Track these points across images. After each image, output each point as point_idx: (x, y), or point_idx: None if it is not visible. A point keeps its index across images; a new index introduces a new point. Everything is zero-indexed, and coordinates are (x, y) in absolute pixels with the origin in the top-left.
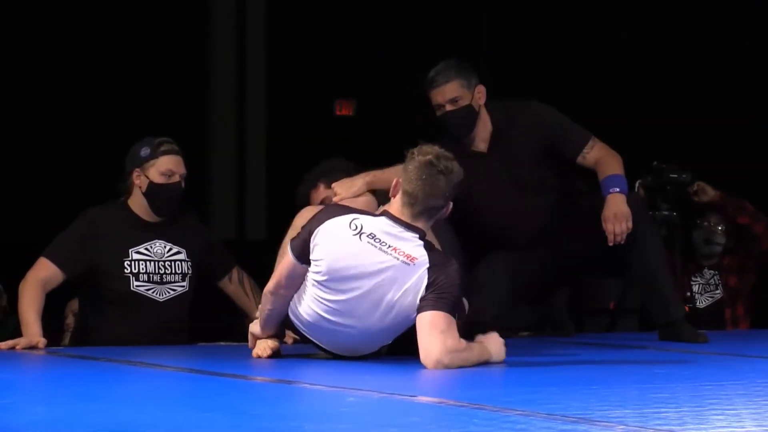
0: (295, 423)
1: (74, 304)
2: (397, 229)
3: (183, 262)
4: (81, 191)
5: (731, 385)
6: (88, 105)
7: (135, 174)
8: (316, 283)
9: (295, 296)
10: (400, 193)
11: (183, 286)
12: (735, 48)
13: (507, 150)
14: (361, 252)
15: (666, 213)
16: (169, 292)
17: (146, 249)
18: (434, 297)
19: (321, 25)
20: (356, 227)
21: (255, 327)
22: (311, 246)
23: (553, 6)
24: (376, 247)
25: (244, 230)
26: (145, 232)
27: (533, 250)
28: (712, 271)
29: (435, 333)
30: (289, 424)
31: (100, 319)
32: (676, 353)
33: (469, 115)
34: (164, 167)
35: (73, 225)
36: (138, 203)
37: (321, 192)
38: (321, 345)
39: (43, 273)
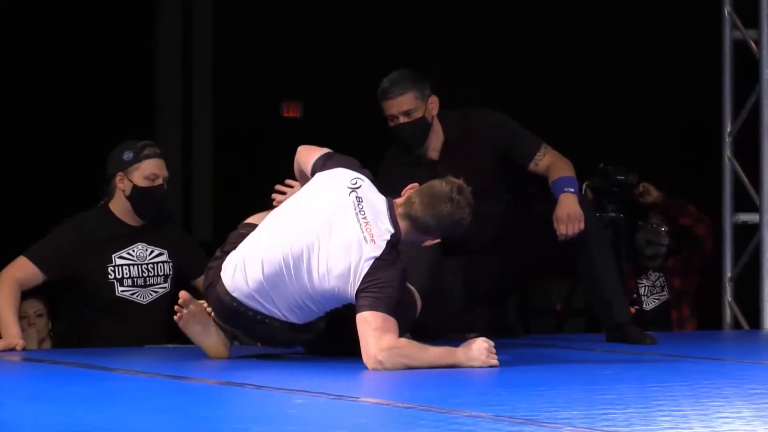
0: (242, 425)
1: (34, 305)
2: (385, 213)
3: (165, 264)
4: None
5: (678, 386)
6: (38, 109)
7: (118, 177)
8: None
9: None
10: (408, 192)
11: (165, 288)
12: (692, 49)
13: (459, 158)
14: (341, 200)
15: (613, 215)
16: (151, 295)
17: (128, 253)
18: (372, 296)
19: (268, 26)
20: (354, 183)
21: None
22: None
23: (508, 6)
24: (354, 209)
25: (191, 232)
26: (127, 236)
27: (485, 254)
28: (657, 273)
29: (369, 331)
30: (236, 426)
31: (86, 324)
32: (623, 354)
33: (422, 127)
34: (148, 171)
35: (58, 231)
36: (120, 207)
37: None
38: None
39: (21, 272)
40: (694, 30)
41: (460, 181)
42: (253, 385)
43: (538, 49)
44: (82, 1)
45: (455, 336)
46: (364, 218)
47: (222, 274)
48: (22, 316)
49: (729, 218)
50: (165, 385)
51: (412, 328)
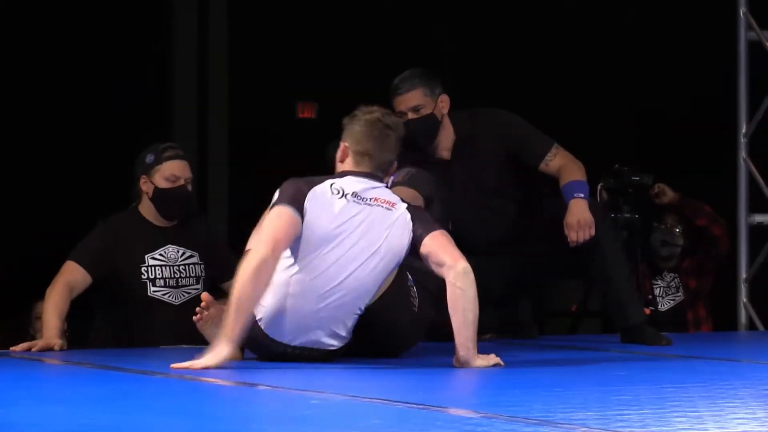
0: (258, 426)
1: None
2: (368, 183)
3: (196, 265)
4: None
5: (693, 387)
6: (50, 113)
7: (142, 180)
8: (304, 252)
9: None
10: (350, 155)
11: (197, 289)
12: (707, 50)
13: (470, 157)
14: (351, 211)
15: (628, 215)
16: (184, 296)
17: (161, 254)
18: (428, 224)
19: (283, 27)
20: (338, 191)
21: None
22: (305, 206)
23: (517, 10)
24: (361, 204)
25: None
26: (158, 238)
27: (496, 254)
28: (672, 274)
29: (452, 247)
30: (251, 427)
31: (115, 325)
32: (639, 356)
33: (430, 124)
34: (168, 172)
35: (94, 232)
36: (148, 209)
37: None
38: (283, 340)
39: (71, 276)
40: (705, 30)
41: (372, 109)
42: (268, 385)
43: (551, 50)
44: (98, 4)
45: (488, 337)
46: (372, 199)
47: (267, 330)
48: (37, 317)
49: (744, 219)
50: (179, 385)
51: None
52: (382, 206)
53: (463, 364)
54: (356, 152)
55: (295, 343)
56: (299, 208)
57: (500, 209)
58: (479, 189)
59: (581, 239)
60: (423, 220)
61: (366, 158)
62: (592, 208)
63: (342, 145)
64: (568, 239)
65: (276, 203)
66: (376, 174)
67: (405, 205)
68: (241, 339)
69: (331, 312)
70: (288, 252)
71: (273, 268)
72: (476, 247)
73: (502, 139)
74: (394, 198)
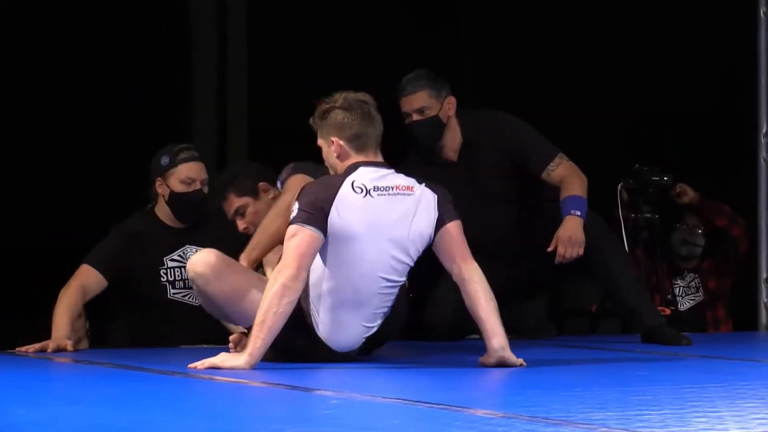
0: (277, 426)
1: None
2: (381, 171)
3: None
4: (66, 193)
5: (713, 387)
6: (70, 109)
7: (158, 183)
8: (339, 255)
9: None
10: (345, 145)
11: None
12: (727, 50)
13: (475, 160)
14: (378, 206)
15: (648, 215)
16: None
17: (179, 256)
18: (450, 210)
19: (302, 29)
20: (361, 188)
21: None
22: (330, 217)
23: (537, 8)
24: (385, 195)
25: None
26: (176, 239)
27: (498, 257)
28: (692, 274)
29: (464, 241)
30: (271, 427)
31: (135, 326)
32: (658, 356)
33: (435, 126)
34: (184, 175)
35: (109, 237)
36: (164, 211)
37: (233, 201)
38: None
39: (86, 279)
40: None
41: (335, 98)
42: (288, 385)
43: (571, 49)
44: (118, 4)
45: (476, 337)
46: (393, 187)
47: (323, 332)
48: (79, 315)
49: (765, 219)
50: (198, 385)
51: (423, 330)
52: (404, 193)
53: (499, 352)
54: (350, 138)
55: (359, 346)
56: (320, 220)
57: (503, 214)
58: (482, 193)
59: (568, 255)
60: (446, 204)
61: (363, 139)
62: (590, 224)
63: (331, 141)
64: (557, 252)
65: (294, 220)
66: (379, 159)
67: (422, 184)
68: (262, 355)
69: (377, 306)
70: (321, 265)
71: (300, 287)
72: (479, 250)
73: (506, 146)
74: (411, 181)
